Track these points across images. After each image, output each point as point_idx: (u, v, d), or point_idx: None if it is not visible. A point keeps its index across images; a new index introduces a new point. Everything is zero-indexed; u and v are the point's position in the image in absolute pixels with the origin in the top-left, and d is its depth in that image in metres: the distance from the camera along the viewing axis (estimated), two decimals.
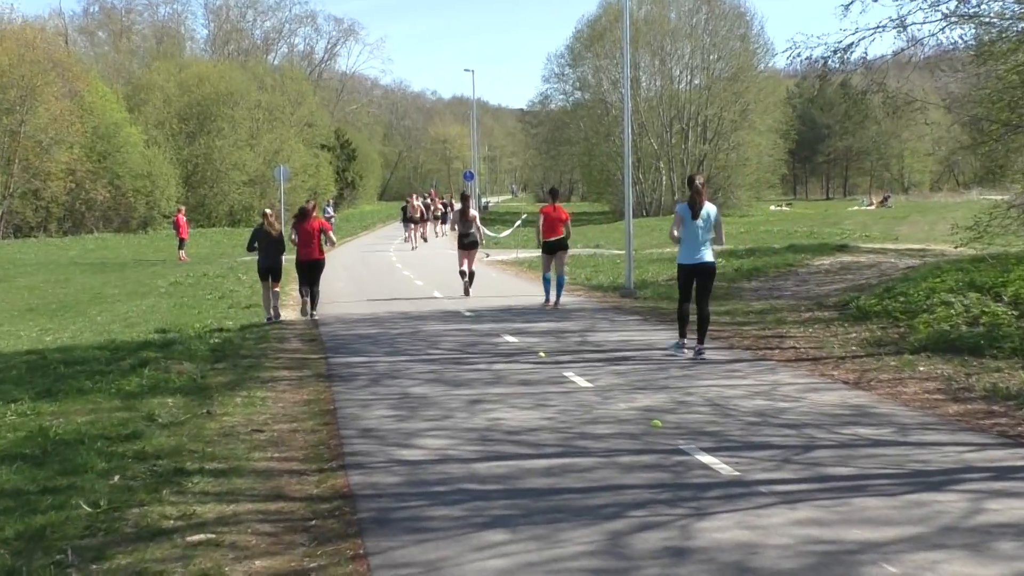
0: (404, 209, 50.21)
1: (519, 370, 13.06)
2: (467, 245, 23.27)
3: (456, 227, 23.56)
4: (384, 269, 33.32)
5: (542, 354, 14.24)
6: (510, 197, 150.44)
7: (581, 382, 12.05)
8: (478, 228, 23.56)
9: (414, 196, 52.27)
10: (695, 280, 14.02)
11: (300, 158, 76.70)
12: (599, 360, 13.75)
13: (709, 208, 13.97)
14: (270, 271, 19.95)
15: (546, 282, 21.03)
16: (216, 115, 72.77)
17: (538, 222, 21.08)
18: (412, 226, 47.57)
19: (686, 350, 14.06)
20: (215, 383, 12.59)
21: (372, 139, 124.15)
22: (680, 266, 14.09)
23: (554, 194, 21.43)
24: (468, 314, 19.68)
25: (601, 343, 15.42)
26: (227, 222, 71.95)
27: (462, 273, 23.50)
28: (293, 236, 20.16)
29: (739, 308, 19.32)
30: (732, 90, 75.89)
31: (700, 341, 13.95)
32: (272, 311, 19.83)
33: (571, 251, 37.27)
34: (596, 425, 9.77)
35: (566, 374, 12.61)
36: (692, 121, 76.76)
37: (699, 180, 14.02)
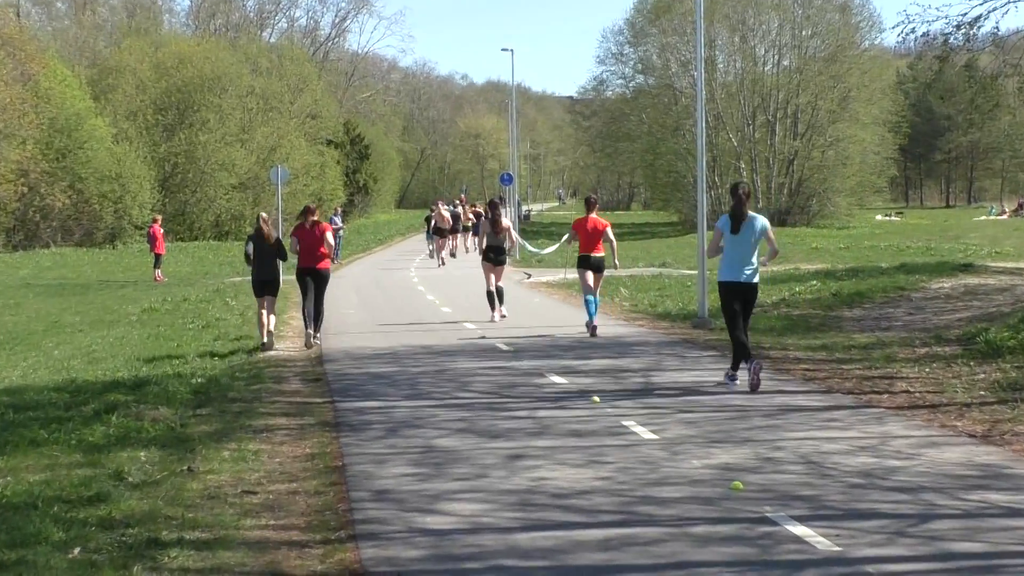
0: (428, 219, 50.48)
1: (568, 418, 13.07)
2: (495, 260, 24.35)
3: (484, 240, 24.53)
4: (403, 293, 33.42)
5: (596, 399, 14.25)
6: (557, 204, 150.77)
7: (644, 433, 12.04)
8: (512, 241, 24.61)
9: (440, 203, 52.42)
10: (737, 300, 15.17)
11: (301, 156, 77.23)
12: (666, 406, 13.74)
13: (755, 220, 15.18)
14: (266, 285, 20.74)
15: (589, 304, 21.74)
16: (200, 104, 73.41)
17: (571, 239, 22.46)
18: (438, 239, 47.76)
19: (739, 380, 14.99)
20: (197, 433, 12.65)
21: (389, 133, 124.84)
22: (721, 284, 15.26)
23: (589, 204, 22.37)
24: (506, 348, 19.73)
25: (668, 385, 15.41)
26: (213, 234, 72.48)
27: (490, 294, 24.47)
28: (295, 245, 21.03)
29: (838, 342, 19.23)
30: (829, 73, 75.78)
31: (734, 367, 15.25)
32: (267, 335, 20.60)
33: (631, 271, 37.58)
34: (663, 487, 9.75)
35: (626, 423, 12.61)
36: (780, 111, 76.67)
37: (742, 189, 15.25)
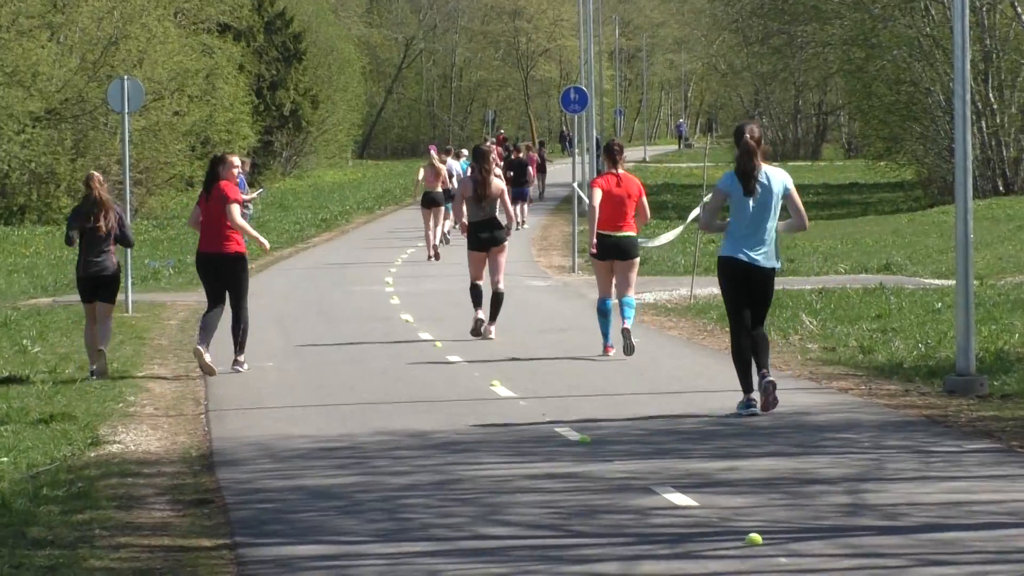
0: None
1: None
2: (485, 243, 27.05)
3: (465, 211, 27.36)
4: (371, 325, 33.56)
5: (756, 537, 14.17)
6: (676, 149, 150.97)
7: None
8: (509, 214, 27.89)
9: (433, 149, 53.12)
10: (746, 290, 19.73)
11: (170, 58, 77.52)
12: (897, 551, 13.68)
13: (772, 176, 19.14)
14: (97, 284, 22.77)
15: (604, 316, 24.72)
16: None
17: (591, 201, 24.43)
18: (426, 213, 49.94)
19: (754, 407, 18.39)
20: None
21: (342, 12, 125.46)
22: (721, 260, 19.88)
23: (612, 153, 24.85)
24: (574, 437, 19.77)
25: (898, 510, 15.44)
26: None
27: (475, 289, 27.17)
28: (196, 217, 23.34)
29: None
30: None
31: (762, 365, 19.54)
32: (98, 363, 22.79)
33: (824, 279, 37.40)
34: None
35: None
36: None
37: (751, 132, 18.56)
